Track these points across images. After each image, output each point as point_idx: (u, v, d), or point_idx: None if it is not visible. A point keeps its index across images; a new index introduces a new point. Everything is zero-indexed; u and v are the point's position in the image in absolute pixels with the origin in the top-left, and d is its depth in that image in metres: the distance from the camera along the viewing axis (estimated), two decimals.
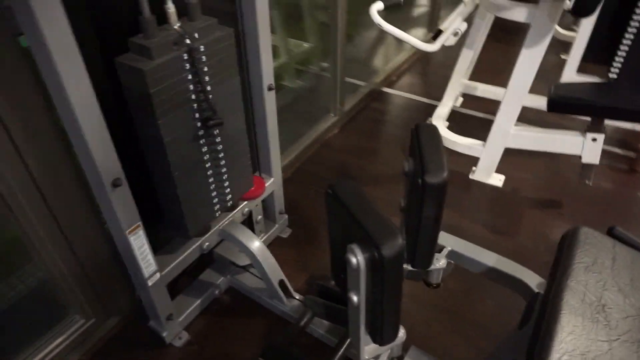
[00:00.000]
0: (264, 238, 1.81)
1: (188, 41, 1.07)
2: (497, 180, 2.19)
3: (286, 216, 1.89)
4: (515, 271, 1.24)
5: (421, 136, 1.01)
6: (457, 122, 2.62)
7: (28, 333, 1.35)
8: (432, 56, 3.41)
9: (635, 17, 1.93)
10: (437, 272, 1.27)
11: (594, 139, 1.83)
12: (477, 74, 2.73)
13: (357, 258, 0.81)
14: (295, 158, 2.28)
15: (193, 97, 1.15)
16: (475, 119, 2.69)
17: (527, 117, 2.44)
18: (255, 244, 1.47)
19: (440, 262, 1.24)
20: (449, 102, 2.48)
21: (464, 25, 1.89)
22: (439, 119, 2.35)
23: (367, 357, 0.99)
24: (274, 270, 1.49)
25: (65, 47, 0.86)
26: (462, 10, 2.00)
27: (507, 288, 1.27)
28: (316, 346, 1.47)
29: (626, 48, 2.15)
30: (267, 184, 1.67)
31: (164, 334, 1.45)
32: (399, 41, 1.76)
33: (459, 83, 2.49)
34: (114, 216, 1.12)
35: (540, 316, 0.91)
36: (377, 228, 0.78)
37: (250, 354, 1.46)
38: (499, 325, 1.55)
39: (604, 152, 2.36)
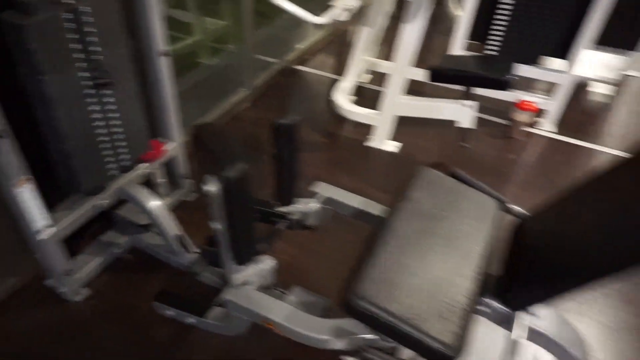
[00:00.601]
0: (168, 201, 1.91)
1: (68, 0, 1.15)
2: (393, 146, 2.41)
3: (191, 181, 2.00)
4: (374, 208, 1.42)
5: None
6: (365, 97, 2.83)
7: None
8: (346, 37, 3.60)
9: (506, 0, 2.20)
10: (311, 214, 1.44)
11: (467, 106, 2.08)
12: (388, 53, 2.94)
13: (210, 186, 0.94)
14: None
15: (80, 56, 1.23)
16: (381, 94, 2.90)
17: (421, 90, 2.69)
18: (152, 202, 1.57)
19: (312, 205, 1.41)
20: (351, 77, 2.67)
21: (355, 2, 2.06)
22: (341, 92, 2.53)
23: (235, 281, 1.13)
24: (170, 226, 1.60)
25: None
26: None
27: (370, 225, 1.45)
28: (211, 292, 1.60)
29: (500, 28, 2.45)
30: (165, 148, 1.76)
31: (63, 290, 1.52)
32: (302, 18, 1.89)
33: (361, 59, 2.68)
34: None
35: (374, 237, 1.09)
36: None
37: (149, 303, 1.57)
38: None
39: (488, 122, 2.66)
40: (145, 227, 1.73)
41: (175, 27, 2.24)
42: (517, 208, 1.28)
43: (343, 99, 2.47)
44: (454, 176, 1.35)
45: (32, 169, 1.33)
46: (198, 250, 1.67)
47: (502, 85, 1.83)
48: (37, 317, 1.51)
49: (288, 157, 1.13)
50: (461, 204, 1.21)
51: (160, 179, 1.82)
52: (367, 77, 2.98)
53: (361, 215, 1.44)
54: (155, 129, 1.75)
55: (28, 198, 1.27)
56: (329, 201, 1.47)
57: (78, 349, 1.44)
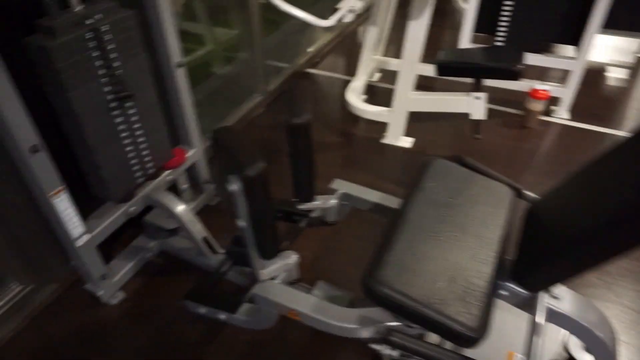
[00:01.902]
0: (192, 206, 1.98)
1: (88, 21, 1.23)
2: (406, 142, 2.45)
3: (213, 185, 2.07)
4: (391, 202, 1.47)
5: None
6: (376, 95, 2.87)
7: None
8: (355, 38, 3.65)
9: None
10: (330, 210, 1.49)
11: (477, 97, 2.10)
12: (393, 51, 2.98)
13: (233, 185, 1.01)
14: None
15: (102, 72, 1.31)
16: (392, 92, 2.94)
17: (435, 87, 2.72)
18: (179, 206, 1.64)
19: (331, 201, 1.47)
20: (362, 76, 2.71)
21: (359, 4, 2.11)
22: (353, 92, 2.58)
23: (262, 276, 1.19)
24: (197, 229, 1.67)
25: None
26: None
27: (387, 218, 1.50)
28: (239, 291, 1.67)
29: (507, 18, 2.46)
30: (187, 155, 1.84)
31: (100, 293, 1.60)
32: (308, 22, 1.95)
33: (370, 59, 2.73)
34: (36, 181, 1.26)
35: (390, 227, 1.14)
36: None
37: (180, 304, 1.64)
38: None
39: (501, 112, 2.68)
40: (173, 232, 1.81)
41: (188, 39, 2.33)
42: (529, 194, 1.31)
43: (355, 98, 2.52)
44: (465, 165, 1.39)
45: (65, 180, 1.42)
46: (224, 251, 1.74)
47: (513, 75, 1.86)
48: (76, 321, 1.60)
49: (304, 156, 1.18)
50: (474, 191, 1.25)
51: (184, 185, 1.90)
52: (377, 76, 3.02)
53: (378, 208, 1.48)
54: (177, 137, 1.83)
55: (64, 207, 1.35)
56: (346, 197, 1.52)
57: (115, 349, 1.51)
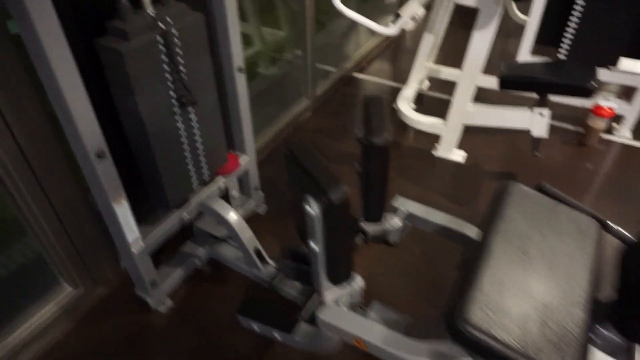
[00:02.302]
0: (241, 213, 1.94)
1: (161, 25, 1.19)
2: (459, 156, 2.36)
3: (262, 193, 2.02)
4: (460, 226, 1.39)
5: (369, 106, 1.15)
6: (424, 104, 2.79)
7: (22, 301, 1.45)
8: (402, 43, 3.56)
9: (579, 1, 2.11)
10: (394, 232, 1.42)
11: (541, 114, 2.00)
12: (444, 59, 2.88)
13: (311, 206, 0.95)
14: (271, 140, 2.41)
15: (168, 76, 1.27)
16: (441, 102, 2.85)
17: (486, 98, 2.62)
18: (232, 215, 1.60)
19: (395, 221, 1.39)
20: (413, 84, 2.63)
21: (422, 11, 2.03)
22: (404, 100, 2.50)
23: (328, 300, 1.13)
24: (249, 239, 1.63)
25: (51, 30, 0.97)
26: None
27: (456, 243, 1.42)
28: (289, 306, 1.61)
29: (572, 31, 2.34)
30: (241, 160, 1.79)
31: (149, 300, 1.57)
32: (369, 29, 1.89)
33: (423, 66, 2.64)
34: (100, 186, 1.23)
35: (473, 259, 1.06)
36: (326, 180, 0.92)
37: (228, 315, 1.60)
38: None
39: (558, 129, 2.55)
40: (223, 239, 1.77)
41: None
42: (618, 228, 1.21)
43: (406, 107, 2.44)
44: (544, 192, 1.29)
45: (124, 185, 1.39)
46: (274, 263, 1.68)
47: (586, 93, 1.75)
48: (122, 325, 1.57)
49: (378, 176, 1.12)
50: (558, 222, 1.16)
51: (235, 192, 1.85)
52: (426, 84, 2.93)
53: (445, 232, 1.40)
54: (230, 142, 1.79)
55: (124, 214, 1.32)
56: (410, 217, 1.44)
57: (160, 356, 1.48)
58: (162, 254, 1.74)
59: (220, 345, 1.52)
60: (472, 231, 1.38)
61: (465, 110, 2.14)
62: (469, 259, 1.13)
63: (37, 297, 1.49)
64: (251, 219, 1.99)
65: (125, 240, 1.37)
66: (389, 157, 1.07)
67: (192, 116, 1.41)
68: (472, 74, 2.03)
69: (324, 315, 1.15)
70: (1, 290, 1.42)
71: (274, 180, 2.20)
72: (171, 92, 1.30)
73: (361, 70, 3.17)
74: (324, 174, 0.94)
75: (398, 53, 3.46)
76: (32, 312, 1.47)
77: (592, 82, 1.76)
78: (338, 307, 1.17)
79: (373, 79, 3.10)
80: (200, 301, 1.66)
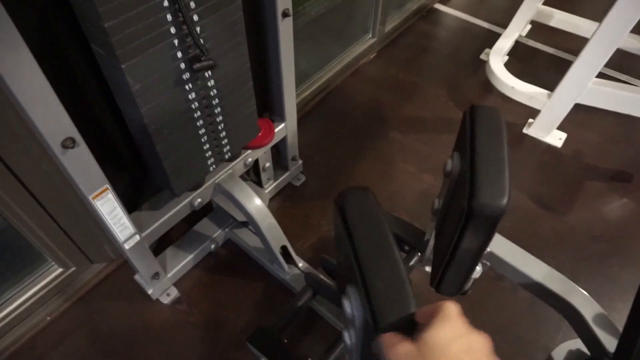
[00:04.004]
0: (272, 186, 1.59)
1: None
2: (557, 138, 1.84)
3: (300, 162, 1.64)
4: (566, 292, 0.98)
5: (478, 128, 0.70)
6: (518, 57, 2.19)
7: (8, 279, 1.23)
8: None
9: None
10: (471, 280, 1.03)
11: None
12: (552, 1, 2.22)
13: (351, 310, 0.57)
14: (320, 87, 1.96)
15: (173, 30, 0.85)
16: (541, 55, 2.24)
17: (626, 65, 2.00)
18: (255, 204, 1.25)
19: (477, 270, 0.99)
20: (514, 31, 2.03)
21: None
22: (499, 54, 1.93)
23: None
24: (275, 236, 1.29)
25: None
26: None
27: (553, 308, 1.02)
28: (318, 326, 1.31)
29: None
30: (277, 129, 1.40)
31: (150, 291, 1.31)
32: None
33: (532, 8, 2.01)
34: (72, 182, 0.90)
35: None
36: (381, 285, 0.53)
37: (241, 323, 1.32)
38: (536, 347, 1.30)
39: None
40: (244, 223, 1.45)
41: None
42: None
43: (500, 65, 1.88)
44: None
45: (116, 168, 1.05)
46: (303, 267, 1.36)
47: None
48: (120, 310, 1.34)
49: (471, 251, 0.71)
50: None
51: (267, 164, 1.48)
52: (526, 29, 2.29)
53: (543, 294, 1.00)
54: (264, 104, 1.38)
55: (108, 209, 1.00)
56: (492, 257, 1.04)
57: (157, 351, 1.25)
58: (172, 231, 1.45)
59: (222, 355, 1.26)
60: (580, 301, 0.97)
61: (585, 85, 1.58)
62: None
63: (22, 276, 1.26)
64: (283, 192, 1.64)
65: (116, 238, 1.07)
66: (495, 230, 0.65)
67: (210, 83, 1.00)
68: (616, 33, 1.41)
69: None
70: None
71: (315, 142, 1.80)
72: (178, 53, 0.89)
73: (445, 1, 2.53)
74: (383, 270, 0.55)
75: None
76: (17, 292, 1.25)
77: None
78: None
79: (459, 14, 2.47)
80: (209, 296, 1.38)
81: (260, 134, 1.33)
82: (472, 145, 0.66)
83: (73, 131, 0.82)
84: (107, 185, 0.96)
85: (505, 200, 0.61)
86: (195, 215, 1.42)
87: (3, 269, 1.23)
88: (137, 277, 1.33)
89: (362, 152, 1.78)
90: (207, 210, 1.48)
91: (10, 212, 1.06)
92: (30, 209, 1.09)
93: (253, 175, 1.53)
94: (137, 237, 1.12)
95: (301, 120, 1.85)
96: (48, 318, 1.31)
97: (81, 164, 0.88)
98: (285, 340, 1.12)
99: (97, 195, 0.95)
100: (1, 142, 0.94)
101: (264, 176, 1.52)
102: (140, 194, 1.20)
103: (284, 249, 1.32)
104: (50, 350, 1.26)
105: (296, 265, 1.35)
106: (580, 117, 1.85)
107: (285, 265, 1.34)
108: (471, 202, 0.61)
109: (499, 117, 0.72)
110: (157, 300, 1.36)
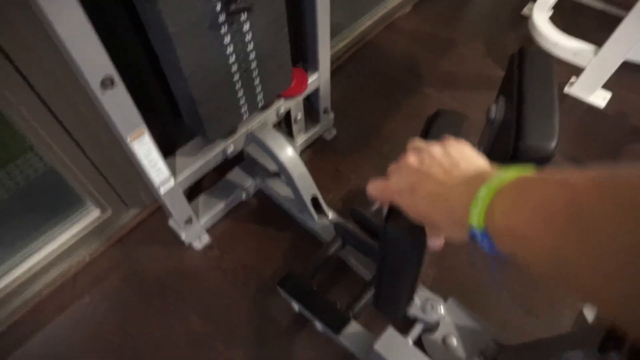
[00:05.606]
0: (304, 139, 1.59)
1: None
2: (601, 98, 1.75)
3: (332, 115, 1.63)
4: None
5: (526, 70, 0.67)
6: (564, 12, 2.07)
7: (42, 221, 1.28)
8: None
9: None
10: None
11: None
12: None
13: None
14: (354, 40, 1.91)
15: None
16: (589, 11, 2.11)
17: None
18: (287, 154, 1.25)
19: None
20: None
21: None
22: (543, 8, 1.83)
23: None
24: (306, 185, 1.30)
25: None
26: None
27: None
28: (347, 275, 1.33)
29: None
30: (310, 80, 1.38)
31: (183, 236, 1.35)
32: None
33: None
34: (110, 122, 0.91)
35: None
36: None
37: (270, 270, 1.35)
38: None
39: None
40: (276, 174, 1.46)
41: None
42: None
43: (545, 20, 1.79)
44: None
45: (151, 112, 1.06)
46: (333, 217, 1.37)
47: None
48: (155, 254, 1.39)
49: None
50: None
51: (299, 115, 1.47)
52: None
53: None
54: (298, 55, 1.36)
55: (145, 152, 1.02)
56: None
57: (190, 293, 1.30)
58: (204, 181, 1.48)
59: (253, 301, 1.30)
60: None
61: (637, 40, 1.49)
62: None
63: (60, 218, 1.31)
64: (314, 145, 1.64)
65: (151, 181, 1.09)
66: None
67: (246, 27, 0.98)
68: None
69: (381, 347, 0.85)
70: (23, 209, 1.24)
71: (347, 96, 1.78)
72: None
73: None
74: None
75: None
76: (54, 234, 1.31)
77: None
78: (401, 337, 0.85)
79: None
80: (240, 243, 1.41)
81: (294, 85, 1.32)
82: (520, 87, 0.63)
83: (112, 70, 0.83)
84: (144, 127, 0.98)
85: (554, 143, 0.59)
86: (227, 166, 1.44)
87: (47, 210, 1.29)
88: (170, 222, 1.37)
89: (395, 108, 1.75)
90: (239, 160, 1.49)
91: (53, 154, 1.10)
92: (71, 152, 1.12)
93: (284, 127, 1.53)
94: (172, 182, 1.15)
95: (334, 73, 1.82)
96: (88, 258, 1.37)
97: (119, 105, 0.89)
98: (315, 287, 1.15)
99: (134, 137, 0.97)
100: (46, 87, 0.96)
101: (295, 128, 1.52)
102: (174, 140, 1.22)
103: (314, 199, 1.34)
104: (91, 288, 1.33)
105: (326, 216, 1.36)
106: (627, 76, 1.75)
107: (315, 215, 1.35)
108: (517, 143, 0.59)
109: (549, 59, 0.68)
110: (190, 245, 1.40)
